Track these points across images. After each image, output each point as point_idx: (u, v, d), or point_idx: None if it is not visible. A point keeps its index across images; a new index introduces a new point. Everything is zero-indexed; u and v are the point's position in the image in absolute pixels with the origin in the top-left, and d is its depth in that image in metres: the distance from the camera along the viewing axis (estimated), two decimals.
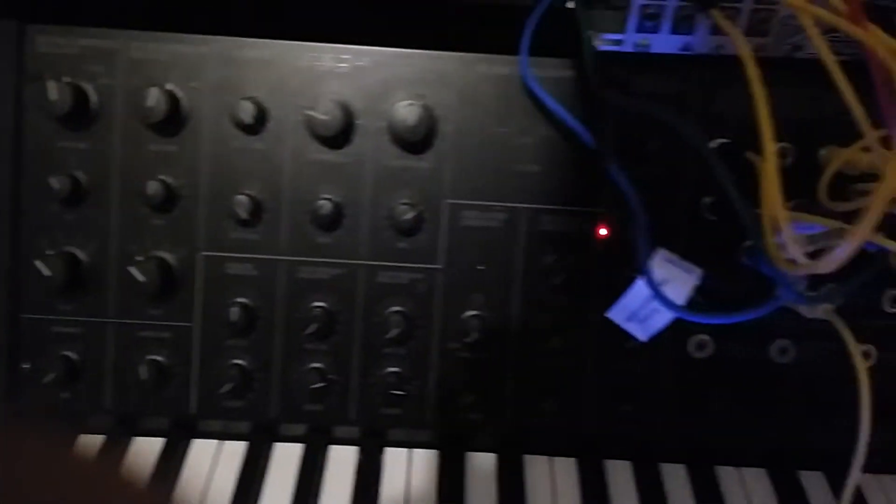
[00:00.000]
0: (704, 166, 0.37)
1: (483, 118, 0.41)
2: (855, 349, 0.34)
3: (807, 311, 0.37)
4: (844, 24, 0.31)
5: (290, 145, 0.41)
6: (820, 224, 0.32)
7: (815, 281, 0.38)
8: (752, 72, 0.33)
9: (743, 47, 0.35)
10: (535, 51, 0.41)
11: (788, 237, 0.31)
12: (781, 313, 0.40)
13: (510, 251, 0.42)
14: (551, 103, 0.39)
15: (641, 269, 0.37)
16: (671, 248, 0.39)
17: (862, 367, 0.34)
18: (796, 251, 0.32)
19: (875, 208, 0.29)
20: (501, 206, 0.42)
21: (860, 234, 0.28)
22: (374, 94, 0.41)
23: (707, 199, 0.41)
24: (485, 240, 0.42)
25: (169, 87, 0.41)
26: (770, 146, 0.33)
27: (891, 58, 0.31)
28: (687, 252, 0.38)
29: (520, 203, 0.42)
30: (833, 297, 0.35)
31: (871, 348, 0.42)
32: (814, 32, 0.32)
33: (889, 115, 0.30)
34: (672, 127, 0.38)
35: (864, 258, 0.36)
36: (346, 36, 0.41)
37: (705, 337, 0.42)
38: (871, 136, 0.32)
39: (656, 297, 0.35)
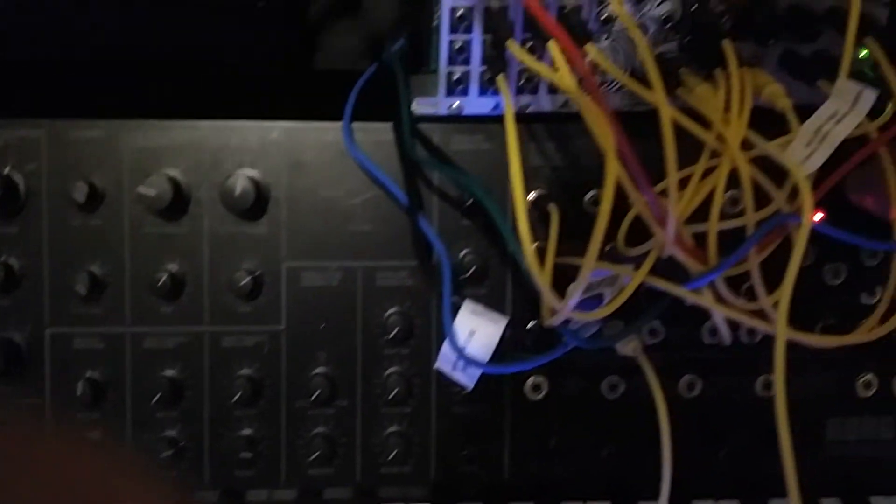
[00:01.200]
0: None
1: (314, 183, 0.43)
2: (655, 384, 0.36)
3: (619, 348, 0.40)
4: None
5: (127, 221, 0.43)
6: (603, 269, 0.35)
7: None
8: (511, 130, 0.36)
9: (508, 110, 0.37)
10: (367, 115, 0.43)
11: (541, 286, 0.34)
12: (611, 350, 0.43)
13: (349, 308, 0.44)
14: (369, 166, 0.41)
15: (444, 327, 0.38)
16: (485, 297, 0.41)
17: (661, 401, 0.36)
18: (549, 298, 0.34)
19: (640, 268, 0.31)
20: (338, 265, 0.44)
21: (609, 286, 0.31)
22: (205, 166, 0.43)
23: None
24: (324, 299, 0.44)
25: (6, 171, 0.42)
26: (521, 198, 0.35)
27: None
28: (497, 301, 0.40)
29: (355, 261, 0.43)
30: (618, 337, 0.37)
31: (696, 378, 0.44)
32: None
33: (638, 179, 0.32)
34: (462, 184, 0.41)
35: (656, 296, 0.39)
36: (176, 111, 0.43)
37: (540, 378, 0.44)
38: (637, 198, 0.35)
39: (457, 356, 0.37)
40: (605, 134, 0.33)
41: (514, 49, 0.37)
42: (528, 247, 0.36)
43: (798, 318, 0.43)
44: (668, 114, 0.34)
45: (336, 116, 0.44)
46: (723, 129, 0.35)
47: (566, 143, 0.43)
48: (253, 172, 0.43)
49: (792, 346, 0.37)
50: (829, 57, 0.39)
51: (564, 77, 0.36)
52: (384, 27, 0.57)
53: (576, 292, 0.34)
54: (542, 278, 0.35)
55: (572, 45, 0.35)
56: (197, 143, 0.43)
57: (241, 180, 0.42)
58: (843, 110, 0.34)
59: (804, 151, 0.34)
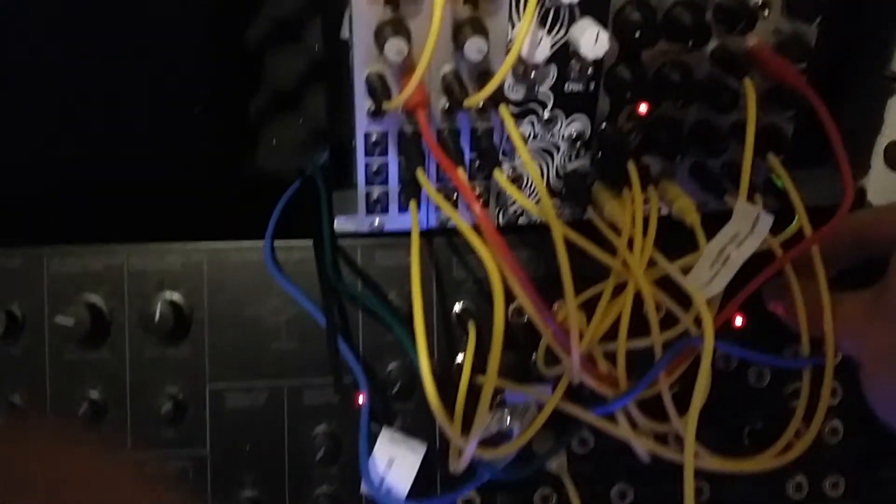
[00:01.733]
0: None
1: (237, 302, 0.43)
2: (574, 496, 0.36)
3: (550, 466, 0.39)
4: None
5: (47, 349, 0.42)
6: (517, 394, 0.35)
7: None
8: (415, 252, 0.37)
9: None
10: (295, 229, 0.44)
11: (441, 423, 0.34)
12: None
13: (276, 428, 0.43)
14: (288, 286, 0.41)
15: (360, 459, 0.38)
16: (413, 412, 0.41)
17: None
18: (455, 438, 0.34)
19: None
20: (263, 385, 0.43)
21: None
22: (126, 291, 0.42)
23: None
24: (250, 420, 0.43)
25: None
26: (420, 318, 0.36)
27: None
28: (425, 418, 0.40)
29: (281, 380, 0.43)
30: (535, 465, 0.37)
31: (627, 487, 0.44)
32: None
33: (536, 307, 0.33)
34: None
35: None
36: (94, 235, 0.43)
37: (472, 493, 0.43)
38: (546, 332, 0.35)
39: (374, 490, 0.36)
40: (491, 267, 0.34)
41: (421, 179, 0.37)
42: (427, 372, 0.35)
43: (725, 423, 0.44)
44: (559, 231, 0.34)
45: (262, 232, 0.44)
46: (627, 255, 0.35)
47: None
48: (174, 295, 0.43)
49: (721, 450, 0.37)
50: (738, 170, 0.40)
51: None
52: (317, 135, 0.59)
53: (477, 432, 0.34)
54: (440, 415, 0.34)
55: (455, 173, 0.36)
56: (117, 267, 0.43)
57: (161, 304, 0.42)
58: (744, 233, 0.35)
59: (708, 273, 0.35)
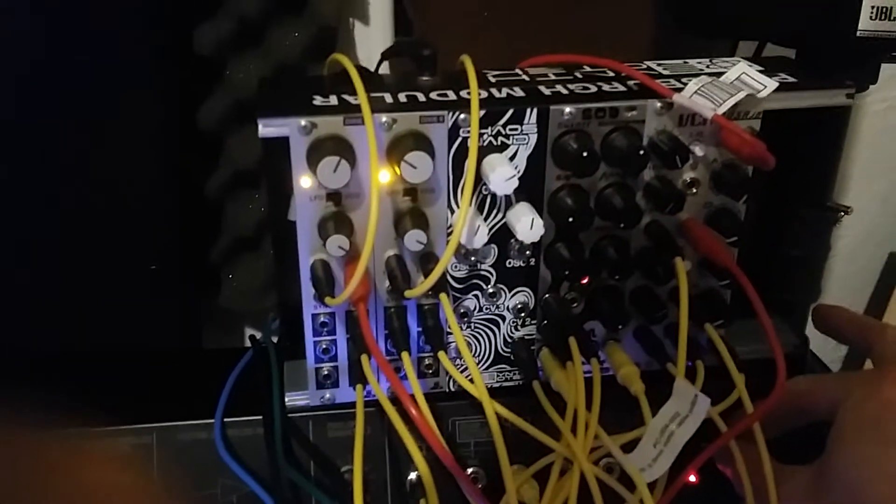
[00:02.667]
0: None
1: (188, 483, 0.43)
2: None
3: None
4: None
5: None
6: None
7: None
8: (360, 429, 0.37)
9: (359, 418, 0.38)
10: (240, 410, 0.44)
11: None
12: None
13: None
14: (238, 470, 0.41)
15: None
16: None
17: None
18: None
19: None
20: None
21: None
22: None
23: None
24: None
25: None
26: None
27: None
28: None
29: None
30: None
31: None
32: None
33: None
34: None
35: None
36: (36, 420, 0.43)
37: None
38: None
39: None
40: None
41: (366, 369, 0.38)
42: None
43: None
44: (493, 413, 0.35)
45: (213, 399, 0.44)
46: (571, 439, 0.36)
47: (450, 420, 0.44)
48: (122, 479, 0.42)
49: None
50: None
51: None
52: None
53: None
54: None
55: (388, 370, 0.37)
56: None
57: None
58: (684, 412, 0.35)
59: (652, 452, 0.35)
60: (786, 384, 0.37)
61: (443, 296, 0.36)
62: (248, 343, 0.65)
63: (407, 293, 0.36)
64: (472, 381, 0.38)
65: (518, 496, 0.39)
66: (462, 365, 0.41)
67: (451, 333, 0.41)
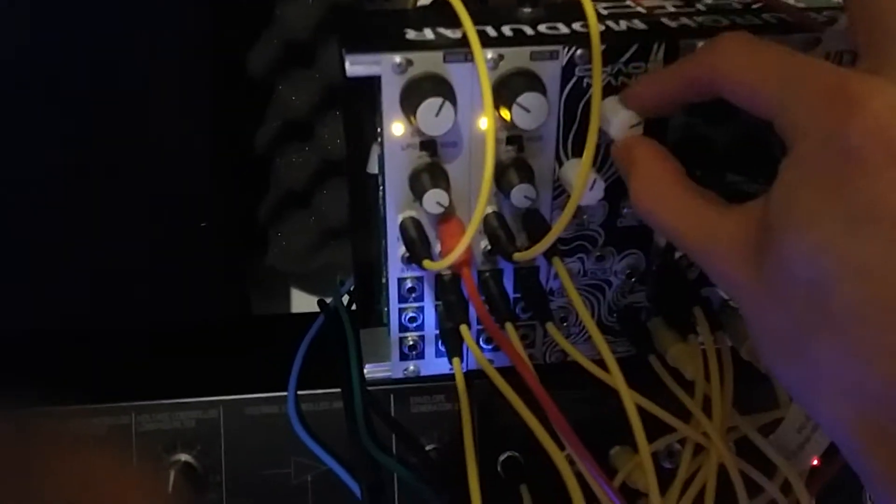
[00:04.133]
0: None
1: (256, 462, 0.39)
2: None
3: None
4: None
5: None
6: None
7: None
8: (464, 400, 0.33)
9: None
10: (310, 371, 0.40)
11: None
12: None
13: None
14: (315, 447, 0.37)
15: None
16: None
17: None
18: None
19: None
20: None
21: None
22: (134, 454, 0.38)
23: None
24: None
25: None
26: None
27: None
28: None
29: None
30: None
31: None
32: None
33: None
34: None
35: None
36: (96, 394, 0.39)
37: None
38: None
39: None
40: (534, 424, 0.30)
41: (466, 337, 0.33)
42: None
43: None
44: (629, 397, 0.31)
45: (281, 371, 0.40)
46: (705, 422, 0.31)
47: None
48: (186, 456, 0.39)
49: None
50: None
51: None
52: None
53: None
54: None
55: (500, 336, 0.32)
56: (123, 428, 0.39)
57: (169, 472, 0.37)
58: None
59: (796, 438, 0.31)
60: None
61: (557, 260, 0.32)
62: (295, 308, 0.62)
63: (516, 256, 0.32)
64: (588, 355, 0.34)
65: (629, 480, 0.36)
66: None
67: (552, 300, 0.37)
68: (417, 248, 0.33)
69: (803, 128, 0.23)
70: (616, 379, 0.30)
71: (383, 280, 0.38)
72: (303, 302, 0.61)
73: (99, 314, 0.50)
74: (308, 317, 0.44)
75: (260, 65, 0.51)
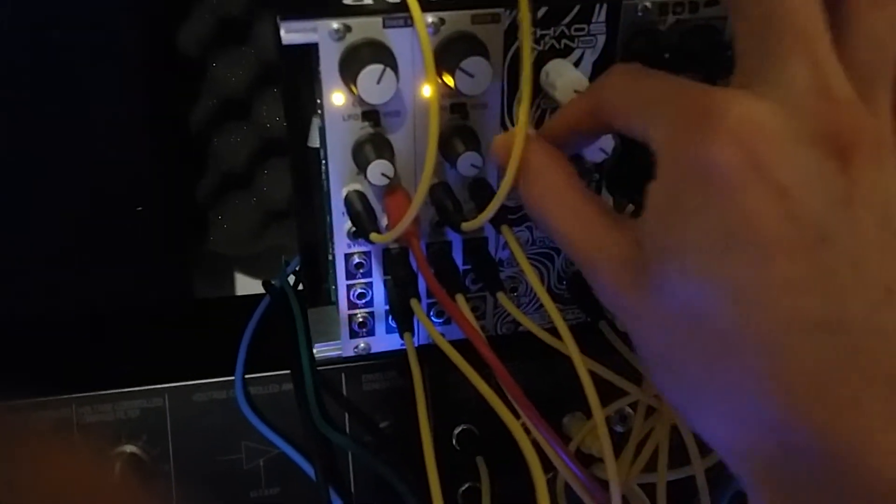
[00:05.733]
0: None
1: (206, 449, 0.38)
2: None
3: None
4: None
5: None
6: None
7: None
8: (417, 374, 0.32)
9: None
10: (260, 365, 0.39)
11: None
12: None
13: None
14: (267, 432, 0.36)
15: None
16: None
17: None
18: None
19: None
20: None
21: None
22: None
23: None
24: None
25: None
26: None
27: None
28: None
29: None
30: None
31: None
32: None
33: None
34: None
35: None
36: (35, 387, 0.37)
37: None
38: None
39: None
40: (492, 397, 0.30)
41: (417, 311, 0.33)
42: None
43: None
44: (584, 368, 0.30)
45: (227, 355, 0.39)
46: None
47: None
48: (133, 448, 0.37)
49: None
50: None
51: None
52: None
53: None
54: None
55: (453, 307, 0.32)
56: (65, 420, 0.37)
57: (118, 463, 0.36)
58: None
59: None
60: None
61: (506, 228, 0.31)
62: (239, 291, 0.60)
63: (464, 226, 0.31)
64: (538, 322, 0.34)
65: (583, 446, 0.36)
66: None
67: (502, 271, 0.37)
68: (363, 222, 0.32)
69: (665, 148, 0.22)
70: (569, 346, 0.29)
71: (329, 257, 0.37)
72: (247, 285, 0.60)
73: (35, 302, 0.48)
74: (252, 299, 0.43)
75: (193, 42, 0.49)
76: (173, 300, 0.51)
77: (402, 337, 0.35)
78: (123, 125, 0.47)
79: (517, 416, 0.31)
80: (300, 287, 0.41)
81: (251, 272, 0.59)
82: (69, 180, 0.47)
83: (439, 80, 0.31)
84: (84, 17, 0.43)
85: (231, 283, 0.60)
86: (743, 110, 0.20)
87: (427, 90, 0.31)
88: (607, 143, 0.32)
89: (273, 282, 0.42)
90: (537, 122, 0.33)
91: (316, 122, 0.35)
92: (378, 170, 0.31)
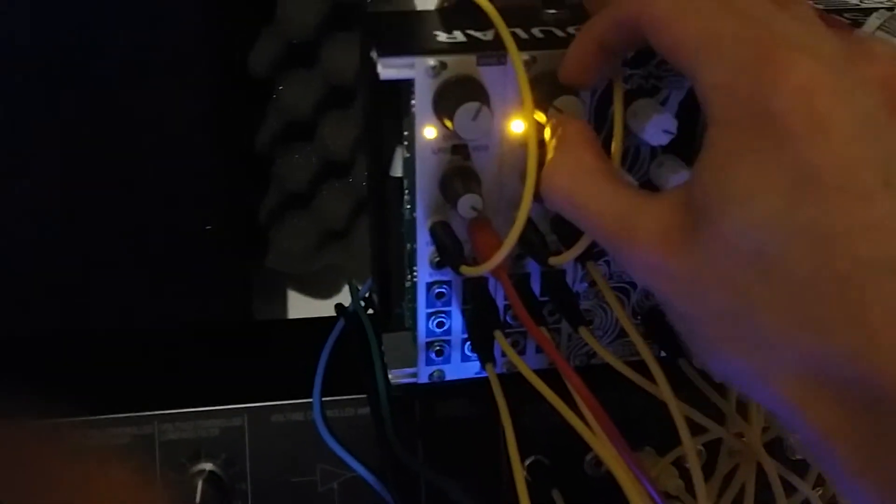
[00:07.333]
0: None
1: (282, 469, 0.39)
2: None
3: None
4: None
5: None
6: None
7: None
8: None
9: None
10: (334, 388, 0.39)
11: None
12: None
13: None
14: (344, 455, 0.37)
15: None
16: None
17: None
18: None
19: None
20: None
21: None
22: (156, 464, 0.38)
23: None
24: None
25: None
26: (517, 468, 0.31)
27: None
28: None
29: None
30: None
31: None
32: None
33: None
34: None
35: None
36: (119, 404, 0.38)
37: None
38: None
39: None
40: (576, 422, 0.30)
41: (503, 344, 0.33)
42: None
43: None
44: (668, 390, 0.31)
45: (297, 376, 0.39)
46: (742, 423, 0.32)
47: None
48: (211, 465, 0.38)
49: None
50: None
51: None
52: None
53: None
54: None
55: (541, 336, 0.32)
56: (146, 438, 0.38)
57: (198, 481, 0.37)
58: None
59: None
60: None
61: (591, 264, 0.32)
62: (291, 309, 0.61)
63: (552, 260, 0.32)
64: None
65: (658, 485, 0.36)
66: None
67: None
68: (451, 254, 0.32)
69: (724, 90, 0.22)
70: (659, 381, 0.30)
71: (408, 284, 0.37)
72: (299, 304, 0.60)
73: (101, 317, 0.49)
74: (310, 322, 0.44)
75: (261, 64, 0.50)
76: (234, 319, 0.52)
77: (483, 367, 0.35)
78: (191, 145, 0.48)
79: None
80: (369, 311, 0.42)
81: (304, 292, 0.60)
82: (141, 198, 0.48)
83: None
84: (158, 39, 0.44)
85: (284, 303, 0.61)
86: (810, 66, 0.21)
87: (518, 126, 0.32)
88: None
89: (346, 306, 0.43)
90: (622, 160, 0.34)
91: (399, 152, 0.35)
92: (468, 203, 0.31)
